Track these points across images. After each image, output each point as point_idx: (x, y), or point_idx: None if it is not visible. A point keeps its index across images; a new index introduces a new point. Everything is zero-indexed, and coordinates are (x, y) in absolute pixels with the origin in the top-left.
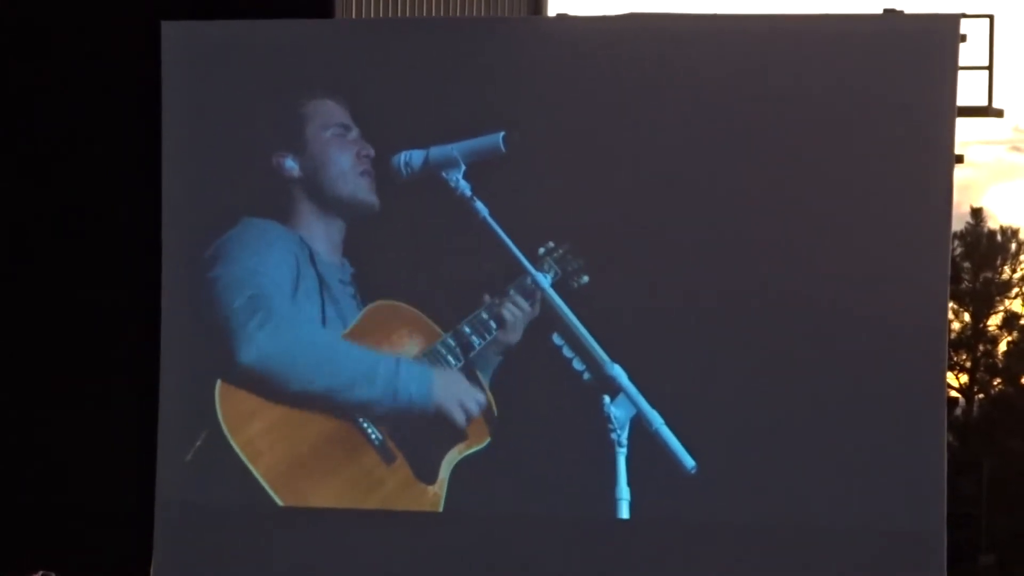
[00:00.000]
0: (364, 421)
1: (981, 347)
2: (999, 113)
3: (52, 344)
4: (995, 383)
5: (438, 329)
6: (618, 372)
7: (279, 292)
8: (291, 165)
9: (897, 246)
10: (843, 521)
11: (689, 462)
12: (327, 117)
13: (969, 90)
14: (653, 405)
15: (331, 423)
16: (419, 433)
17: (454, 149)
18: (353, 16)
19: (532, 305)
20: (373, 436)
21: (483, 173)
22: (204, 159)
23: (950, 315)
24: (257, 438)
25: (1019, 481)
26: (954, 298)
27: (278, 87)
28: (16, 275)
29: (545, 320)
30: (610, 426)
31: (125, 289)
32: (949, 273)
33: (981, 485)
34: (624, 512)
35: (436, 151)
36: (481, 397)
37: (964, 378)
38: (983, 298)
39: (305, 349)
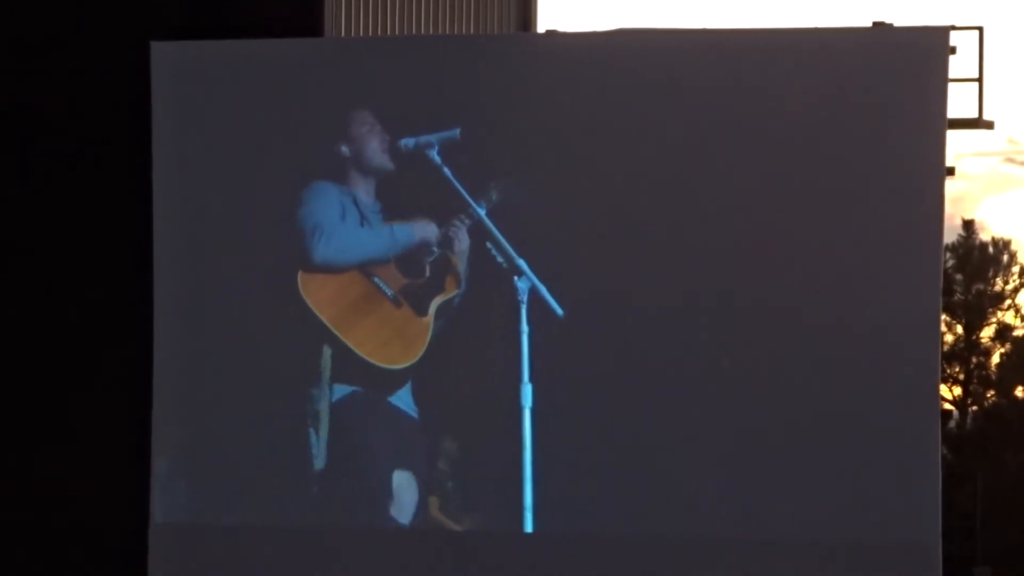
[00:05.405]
0: (382, 284)
1: (974, 359)
2: (989, 125)
3: (41, 364)
4: (988, 395)
5: None
6: (522, 263)
7: (332, 219)
8: (345, 150)
9: (889, 258)
10: (839, 534)
11: (559, 311)
12: (362, 118)
13: (960, 102)
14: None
15: (366, 287)
16: (416, 288)
17: (432, 137)
18: (343, 34)
19: (470, 227)
20: (388, 293)
21: (451, 151)
22: (193, 177)
23: (943, 327)
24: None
25: (1013, 493)
26: (947, 310)
27: (269, 105)
28: (4, 294)
29: (482, 234)
30: (517, 293)
31: (117, 307)
32: (942, 285)
33: (976, 497)
34: (524, 342)
35: (423, 137)
36: (438, 231)
37: (957, 390)
38: (976, 310)
39: (347, 243)
